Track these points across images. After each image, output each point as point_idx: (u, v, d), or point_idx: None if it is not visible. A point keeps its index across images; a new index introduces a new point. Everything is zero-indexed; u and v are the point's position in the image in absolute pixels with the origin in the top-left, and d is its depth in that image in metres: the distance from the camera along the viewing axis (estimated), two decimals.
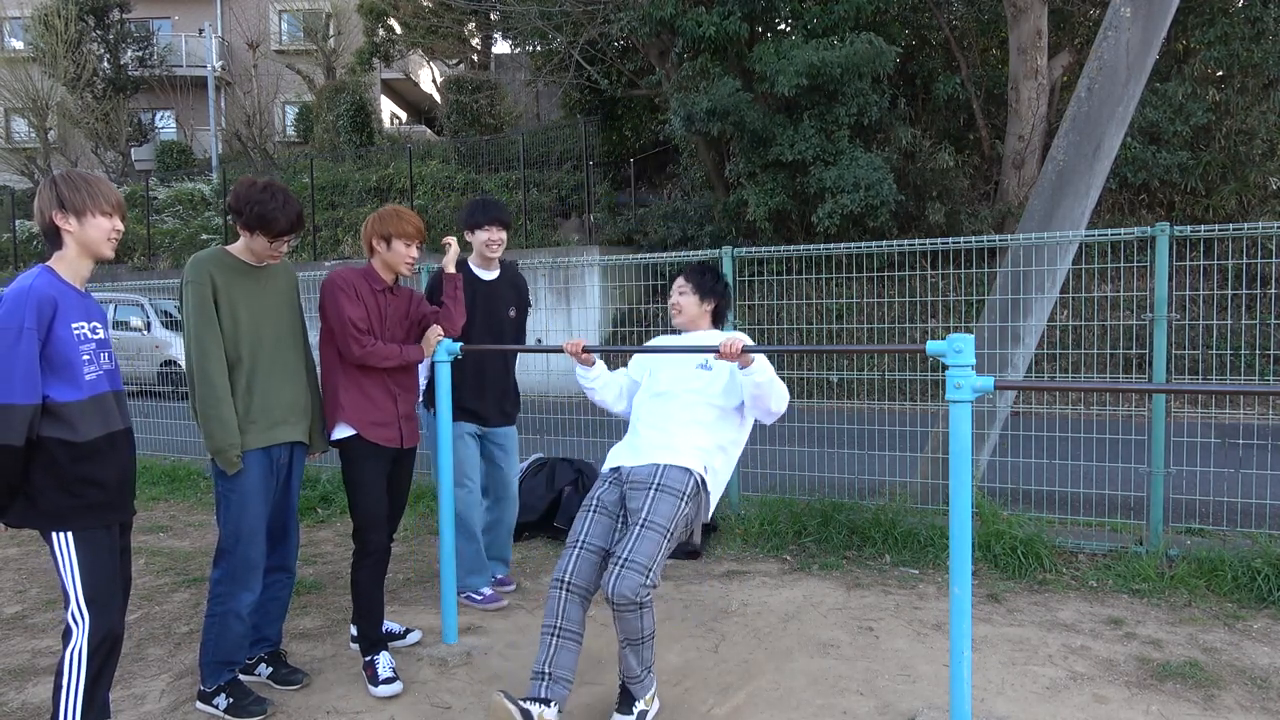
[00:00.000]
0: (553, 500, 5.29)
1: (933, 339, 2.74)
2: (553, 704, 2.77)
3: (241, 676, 3.28)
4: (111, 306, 12.85)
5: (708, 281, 3.44)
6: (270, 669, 3.36)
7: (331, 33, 24.07)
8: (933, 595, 4.19)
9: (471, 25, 21.41)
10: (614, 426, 5.91)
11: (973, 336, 2.63)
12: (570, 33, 15.80)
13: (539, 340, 7.88)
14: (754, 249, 5.41)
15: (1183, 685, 3.20)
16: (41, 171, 23.87)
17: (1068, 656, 3.47)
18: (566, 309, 8.75)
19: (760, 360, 3.05)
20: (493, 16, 19.22)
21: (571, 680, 2.86)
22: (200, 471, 7.08)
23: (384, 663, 3.34)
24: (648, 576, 2.78)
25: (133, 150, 24.39)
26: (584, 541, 2.95)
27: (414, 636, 3.75)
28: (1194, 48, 12.88)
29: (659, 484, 2.96)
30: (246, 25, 25.06)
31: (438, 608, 3.93)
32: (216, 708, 3.11)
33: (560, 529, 5.22)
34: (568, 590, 2.88)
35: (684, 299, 3.42)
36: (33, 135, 24.42)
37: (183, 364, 10.70)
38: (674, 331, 3.56)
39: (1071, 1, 13.73)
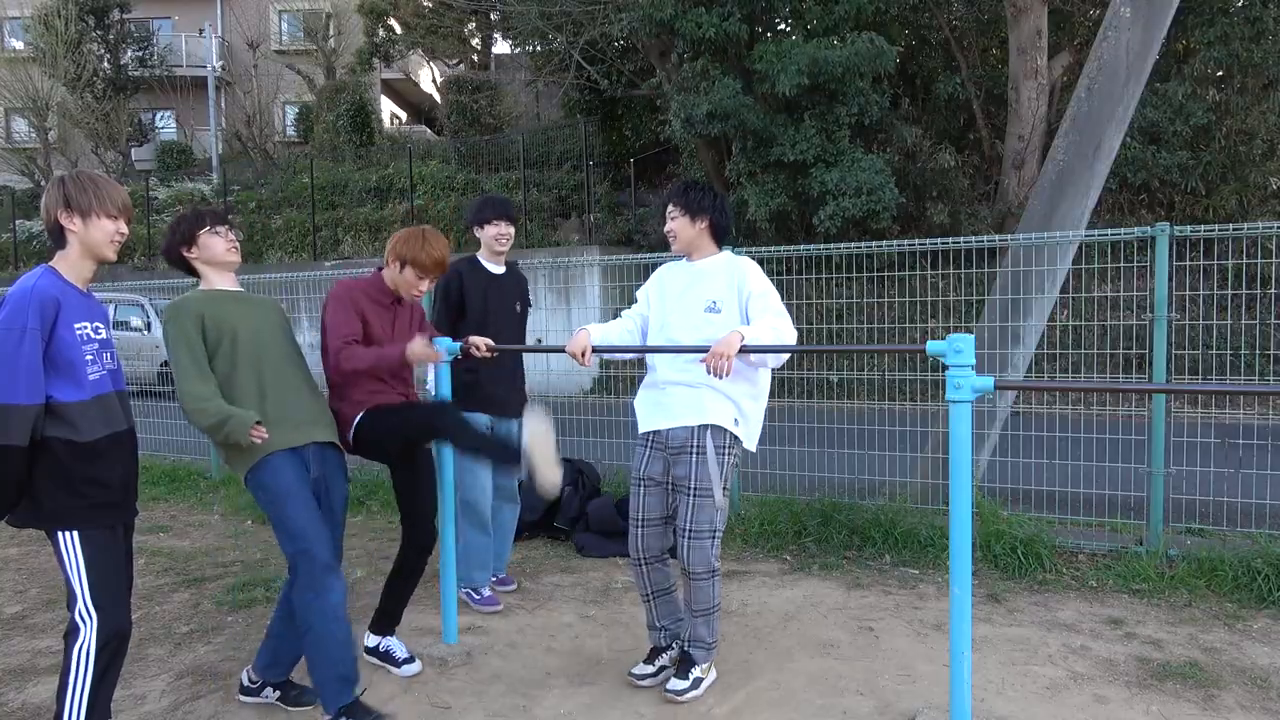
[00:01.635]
0: (553, 500, 5.29)
1: (933, 339, 2.74)
2: (673, 645, 3.28)
3: (245, 699, 3.20)
4: (111, 306, 12.85)
5: (694, 198, 3.26)
6: (278, 691, 3.22)
7: (331, 33, 24.06)
8: (933, 595, 4.19)
9: (472, 25, 21.43)
10: (614, 427, 5.92)
11: (973, 336, 2.63)
12: (570, 33, 15.80)
13: (539, 340, 7.88)
14: (754, 249, 5.41)
15: (1183, 685, 3.20)
16: (42, 171, 23.84)
17: (1068, 656, 3.47)
18: (566, 309, 8.74)
19: (754, 340, 2.96)
20: (493, 16, 19.24)
21: (680, 619, 3.30)
22: (200, 472, 7.08)
23: (397, 647, 3.46)
24: (714, 540, 3.12)
25: (133, 150, 24.37)
26: (644, 519, 3.24)
27: (412, 669, 3.46)
28: (1194, 48, 12.88)
29: (698, 447, 3.10)
30: (246, 25, 25.04)
31: (438, 607, 3.92)
32: None
33: (560, 529, 5.22)
34: (645, 564, 3.26)
35: (675, 223, 3.28)
36: (33, 135, 24.41)
37: None
38: (673, 256, 3.44)
39: (1071, 1, 13.73)
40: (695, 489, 3.08)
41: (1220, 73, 12.92)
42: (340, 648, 2.87)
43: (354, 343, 3.22)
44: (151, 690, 3.34)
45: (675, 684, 3.14)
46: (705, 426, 3.10)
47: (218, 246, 3.02)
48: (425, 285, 3.32)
